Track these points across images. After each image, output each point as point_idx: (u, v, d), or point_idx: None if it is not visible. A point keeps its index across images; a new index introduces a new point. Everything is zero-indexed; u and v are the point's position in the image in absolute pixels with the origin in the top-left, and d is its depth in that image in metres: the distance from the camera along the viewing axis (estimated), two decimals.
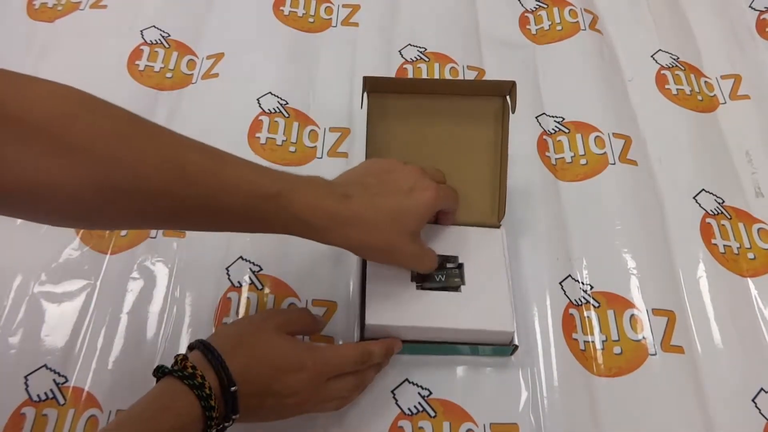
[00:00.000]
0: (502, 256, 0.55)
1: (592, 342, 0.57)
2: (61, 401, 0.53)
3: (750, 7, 0.82)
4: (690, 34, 0.80)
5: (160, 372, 0.42)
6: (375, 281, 0.52)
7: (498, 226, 0.58)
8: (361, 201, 0.45)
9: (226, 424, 0.43)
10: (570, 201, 0.66)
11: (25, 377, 0.54)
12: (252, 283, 0.60)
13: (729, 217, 0.65)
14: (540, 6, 0.83)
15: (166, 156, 0.39)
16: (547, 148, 0.70)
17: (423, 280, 0.53)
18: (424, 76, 0.75)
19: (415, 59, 0.77)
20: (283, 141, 0.69)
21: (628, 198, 0.66)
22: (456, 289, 0.53)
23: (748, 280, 0.61)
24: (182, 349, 0.56)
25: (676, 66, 0.77)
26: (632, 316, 0.59)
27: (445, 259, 0.54)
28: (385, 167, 0.50)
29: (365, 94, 0.56)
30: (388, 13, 0.81)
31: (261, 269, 0.61)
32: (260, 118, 0.70)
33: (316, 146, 0.69)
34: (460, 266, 0.54)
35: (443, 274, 0.53)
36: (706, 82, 0.76)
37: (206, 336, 0.46)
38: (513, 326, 0.52)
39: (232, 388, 0.41)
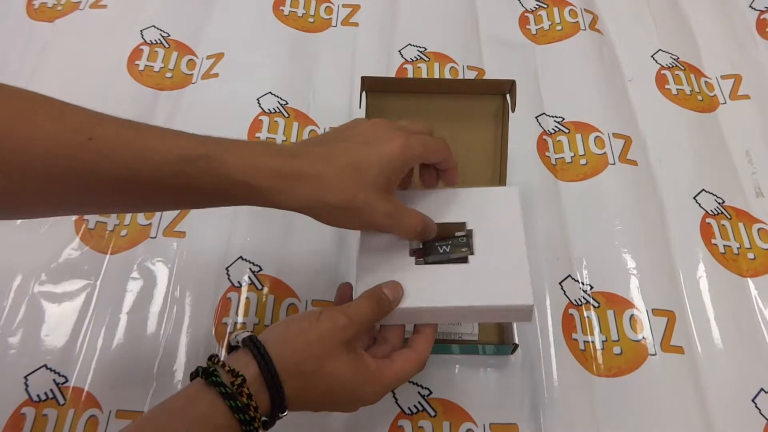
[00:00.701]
0: (518, 218, 0.47)
1: (592, 342, 0.57)
2: (61, 401, 0.53)
3: (750, 7, 0.83)
4: (690, 34, 0.80)
5: (207, 378, 0.36)
6: (365, 263, 0.46)
7: None
8: (312, 156, 0.40)
9: None
10: (570, 201, 0.66)
11: (25, 377, 0.54)
12: (252, 283, 0.60)
13: (729, 217, 0.65)
14: (540, 6, 0.83)
15: (72, 130, 0.35)
16: (547, 148, 0.70)
17: (424, 254, 0.45)
18: (424, 76, 0.75)
19: (415, 59, 0.77)
20: (283, 141, 0.69)
21: (628, 198, 0.66)
22: (464, 260, 0.45)
23: (748, 280, 0.61)
24: (182, 349, 0.56)
25: (676, 66, 0.77)
26: (632, 316, 0.59)
27: (451, 228, 0.47)
28: (346, 124, 0.44)
29: (363, 94, 0.56)
30: (388, 13, 0.81)
31: (261, 269, 0.61)
32: (260, 118, 0.70)
33: None
34: (469, 233, 0.46)
35: (447, 244, 0.46)
36: (706, 82, 0.76)
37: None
38: (531, 298, 0.42)
39: (282, 414, 0.38)
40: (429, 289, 0.44)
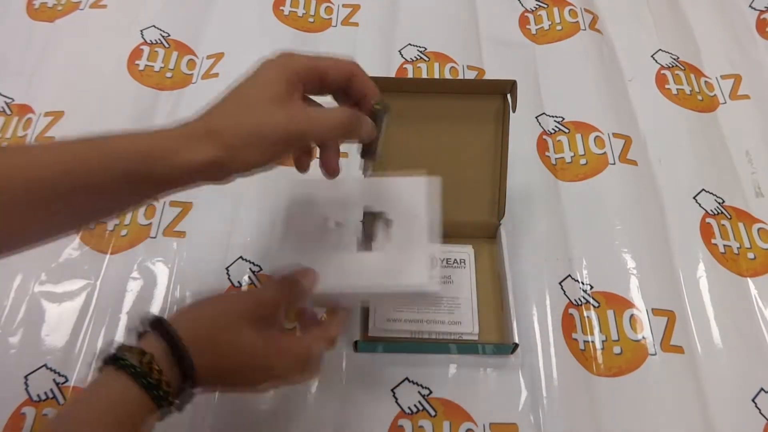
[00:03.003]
0: (423, 207, 0.48)
1: (592, 342, 0.57)
2: (62, 401, 0.53)
3: (750, 7, 0.83)
4: (690, 34, 0.80)
5: (117, 363, 0.36)
6: (285, 245, 0.49)
7: (497, 225, 0.59)
8: (202, 115, 0.42)
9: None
10: (570, 201, 0.66)
11: (25, 377, 0.54)
12: (252, 282, 0.60)
13: (729, 217, 0.65)
14: (540, 6, 0.83)
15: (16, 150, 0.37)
16: (547, 148, 0.70)
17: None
18: (424, 75, 0.75)
19: (415, 59, 0.77)
20: None
21: (628, 198, 0.66)
22: (368, 248, 0.47)
23: (748, 280, 0.61)
24: None
25: (676, 66, 0.77)
26: (632, 316, 0.59)
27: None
28: None
29: None
30: (388, 13, 0.81)
31: (261, 269, 0.61)
32: None
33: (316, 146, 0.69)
34: (376, 216, 0.48)
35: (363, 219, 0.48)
36: (706, 82, 0.76)
37: None
38: (426, 277, 0.44)
39: (195, 389, 0.39)
40: (333, 273, 0.45)
